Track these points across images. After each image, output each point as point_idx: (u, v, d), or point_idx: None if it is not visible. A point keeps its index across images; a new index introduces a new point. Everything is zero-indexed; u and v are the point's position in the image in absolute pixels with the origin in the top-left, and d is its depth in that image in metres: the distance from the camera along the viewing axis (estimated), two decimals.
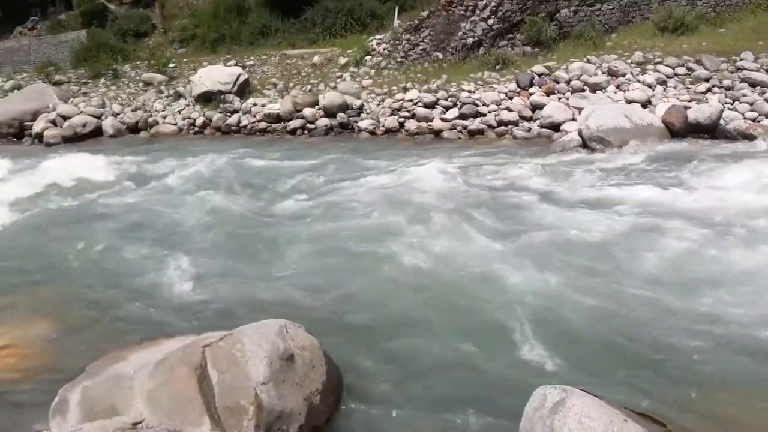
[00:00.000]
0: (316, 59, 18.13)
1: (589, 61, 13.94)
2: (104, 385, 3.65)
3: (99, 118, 16.14)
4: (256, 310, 5.17)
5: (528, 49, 15.25)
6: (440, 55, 15.95)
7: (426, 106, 13.86)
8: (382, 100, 14.89)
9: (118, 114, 16.44)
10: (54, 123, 16.06)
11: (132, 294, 5.78)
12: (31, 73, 23.14)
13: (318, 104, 15.12)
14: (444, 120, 13.49)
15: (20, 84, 20.51)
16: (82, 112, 16.28)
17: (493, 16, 15.43)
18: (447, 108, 13.73)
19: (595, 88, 13.11)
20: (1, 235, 7.68)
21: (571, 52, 14.65)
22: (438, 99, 13.95)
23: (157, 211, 8.41)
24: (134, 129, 16.00)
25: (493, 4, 15.31)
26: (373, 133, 14.04)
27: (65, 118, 16.02)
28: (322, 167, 10.78)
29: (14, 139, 16.38)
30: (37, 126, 16.04)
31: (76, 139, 15.46)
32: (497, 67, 14.76)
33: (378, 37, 17.75)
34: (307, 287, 5.70)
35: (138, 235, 7.42)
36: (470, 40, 15.61)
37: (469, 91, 13.96)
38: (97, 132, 15.80)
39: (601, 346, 4.43)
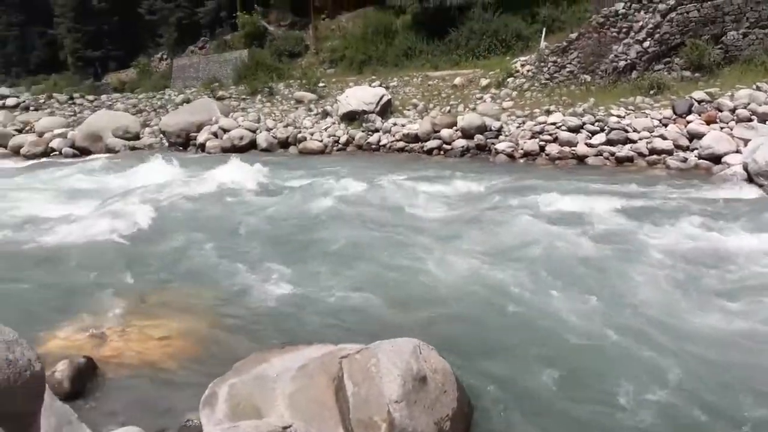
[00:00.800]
0: (457, 81, 18.26)
1: (759, 89, 12.64)
2: (249, 384, 3.89)
3: (254, 132, 17.43)
4: (387, 326, 5.27)
5: (687, 73, 14.17)
6: (588, 78, 15.35)
7: (570, 130, 13.37)
8: (523, 123, 14.61)
9: (271, 129, 17.63)
10: (215, 135, 17.62)
11: (273, 298, 6.15)
12: (198, 88, 25.66)
13: (456, 125, 15.18)
14: (589, 145, 12.93)
15: (189, 98, 22.79)
16: (240, 126, 17.68)
17: (649, 39, 14.56)
18: (593, 133, 13.14)
19: (765, 118, 11.86)
20: (159, 236, 8.47)
21: (737, 78, 13.40)
22: (584, 123, 13.40)
23: (294, 222, 8.92)
24: (284, 144, 17.08)
25: (651, 26, 14.46)
26: (510, 156, 13.79)
27: (225, 130, 17.51)
28: (452, 188, 10.77)
29: (181, 148, 18.18)
30: (201, 137, 17.71)
31: (233, 151, 16.80)
32: (651, 92, 13.89)
33: (522, 58, 17.50)
34: (438, 309, 5.72)
35: (279, 243, 7.90)
36: (622, 63, 14.86)
37: (619, 116, 13.26)
38: (252, 145, 17.08)
39: None
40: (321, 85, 21.06)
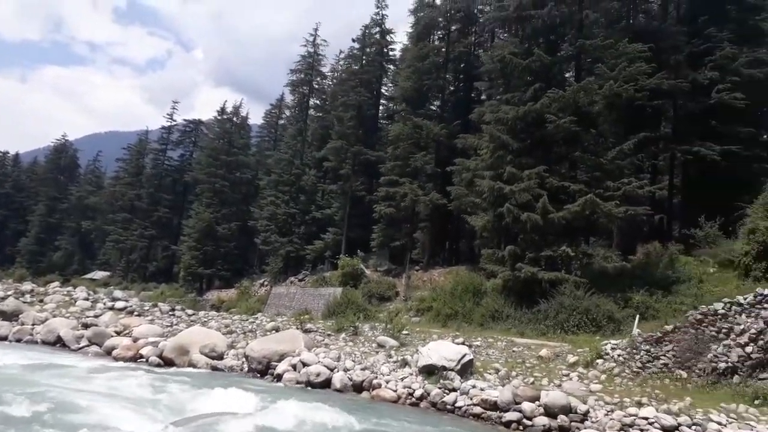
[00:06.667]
0: (543, 352, 17.87)
1: None
2: None
3: (332, 370, 17.43)
4: None
5: None
6: (684, 374, 14.50)
7: (664, 429, 12.23)
8: (611, 411, 13.60)
9: (349, 370, 17.58)
10: (294, 367, 17.80)
11: None
12: (289, 317, 26.77)
13: (539, 400, 14.40)
14: None
15: (279, 326, 23.68)
16: (319, 362, 17.83)
17: (752, 344, 13.89)
18: None
19: None
20: None
21: None
22: (679, 424, 12.24)
23: None
24: (358, 387, 16.81)
25: (753, 331, 13.90)
26: None
27: (305, 364, 17.68)
28: None
29: (258, 375, 18.39)
30: (281, 367, 17.94)
31: (307, 385, 16.76)
32: (756, 402, 12.75)
33: (613, 341, 17.04)
34: None
35: None
36: (722, 365, 14.05)
37: (720, 424, 12.08)
38: (327, 383, 16.95)
39: None
40: (405, 332, 21.31)
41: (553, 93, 23.19)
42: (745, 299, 14.64)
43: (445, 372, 16.49)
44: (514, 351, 18.65)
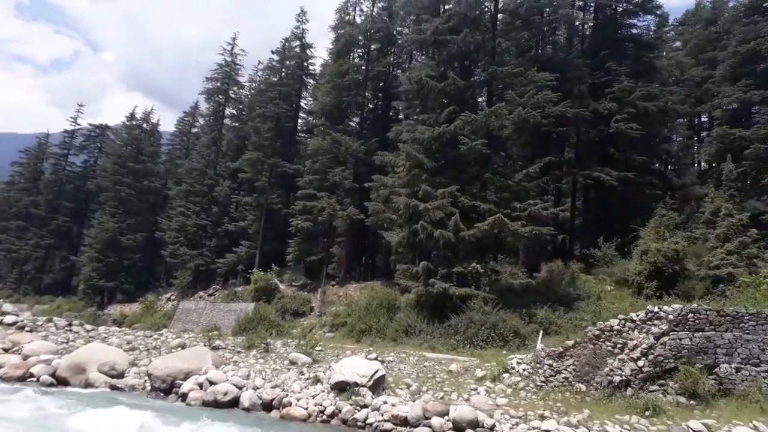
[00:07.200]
0: (453, 366, 18.25)
1: (756, 429, 12.38)
2: None
3: (240, 388, 16.88)
4: None
5: (682, 399, 14.09)
6: (583, 388, 15.29)
7: None
8: (516, 424, 14.08)
9: (259, 388, 17.10)
10: (201, 386, 17.09)
11: None
12: (197, 333, 25.73)
13: (448, 415, 14.65)
14: None
15: (185, 343, 22.68)
16: (227, 380, 17.23)
17: (643, 358, 14.88)
18: None
19: None
20: None
21: (733, 413, 13.23)
22: None
23: None
24: (268, 406, 16.38)
25: (644, 346, 14.91)
26: None
27: (212, 383, 17.01)
28: None
29: (162, 394, 17.51)
30: (186, 386, 17.16)
31: (213, 405, 16.12)
32: (646, 413, 13.65)
33: (519, 356, 17.70)
34: None
35: None
36: (617, 378, 14.94)
37: None
38: (234, 402, 16.39)
39: None
40: (318, 348, 21.08)
41: (466, 116, 24.02)
42: (637, 316, 15.70)
43: (357, 388, 16.42)
44: (425, 366, 18.90)
